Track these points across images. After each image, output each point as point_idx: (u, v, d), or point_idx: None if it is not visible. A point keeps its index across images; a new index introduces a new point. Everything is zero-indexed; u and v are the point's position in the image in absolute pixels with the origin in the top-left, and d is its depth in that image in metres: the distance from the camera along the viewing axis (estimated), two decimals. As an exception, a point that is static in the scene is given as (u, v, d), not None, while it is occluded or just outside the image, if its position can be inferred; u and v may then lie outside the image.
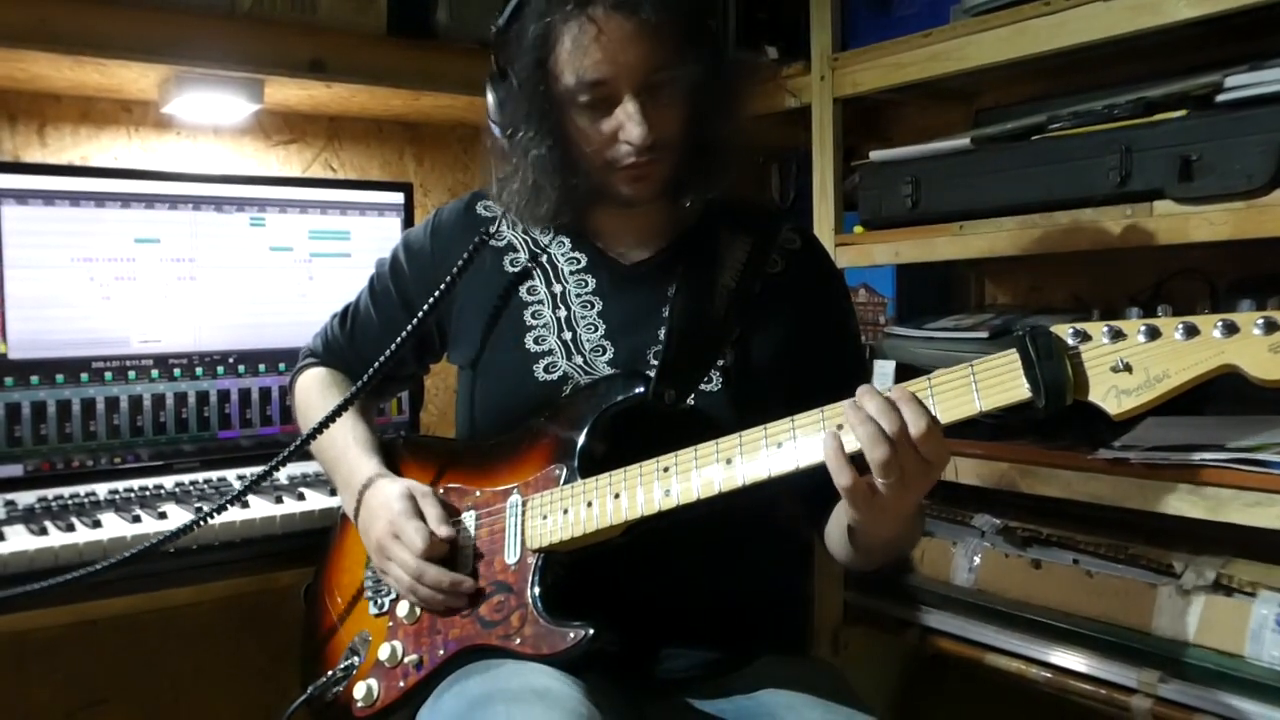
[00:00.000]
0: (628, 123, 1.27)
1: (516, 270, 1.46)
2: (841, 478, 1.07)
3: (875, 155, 2.06)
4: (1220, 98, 1.59)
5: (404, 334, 1.43)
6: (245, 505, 1.67)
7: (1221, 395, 1.64)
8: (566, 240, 1.47)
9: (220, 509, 1.46)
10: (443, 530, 1.33)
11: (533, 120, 1.31)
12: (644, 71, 1.26)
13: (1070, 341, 1.00)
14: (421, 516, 1.34)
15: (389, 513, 1.34)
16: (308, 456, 1.59)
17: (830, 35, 2.09)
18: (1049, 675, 1.72)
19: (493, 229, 1.47)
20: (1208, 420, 1.63)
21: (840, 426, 1.09)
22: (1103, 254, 1.88)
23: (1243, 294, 1.73)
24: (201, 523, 1.44)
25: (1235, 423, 1.58)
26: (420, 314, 1.43)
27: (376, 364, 1.44)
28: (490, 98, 1.36)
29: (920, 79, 1.95)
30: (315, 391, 1.57)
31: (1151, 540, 1.70)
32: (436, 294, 1.43)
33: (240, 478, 1.87)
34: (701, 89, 1.31)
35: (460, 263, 1.44)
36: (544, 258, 1.46)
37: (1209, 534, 1.61)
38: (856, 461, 1.08)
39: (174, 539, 1.44)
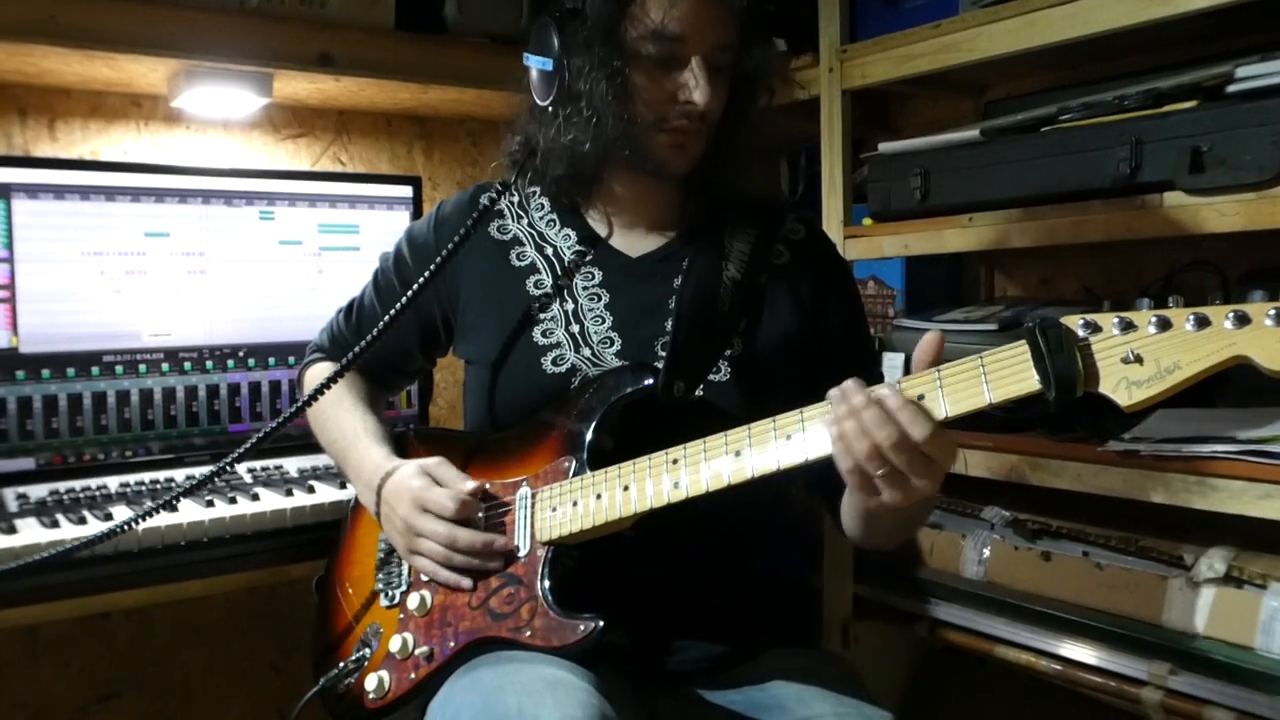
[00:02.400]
0: (691, 84, 1.30)
1: (523, 264, 1.46)
2: (845, 462, 1.07)
3: (884, 147, 2.06)
4: (1231, 88, 1.58)
5: (398, 306, 1.44)
6: (233, 502, 1.68)
7: (1233, 387, 1.63)
8: (572, 233, 1.47)
9: (156, 510, 1.46)
10: (468, 485, 1.33)
11: (604, 54, 1.32)
12: (717, 43, 1.31)
13: (1080, 333, 0.99)
14: (441, 485, 1.35)
15: (409, 493, 1.35)
16: (317, 450, 1.60)
17: (839, 27, 2.08)
18: (1059, 668, 1.72)
19: (495, 200, 1.49)
20: (1218, 412, 1.62)
21: None
22: (1113, 246, 1.88)
23: (1254, 285, 1.72)
24: (133, 524, 1.44)
25: (1246, 415, 1.58)
26: (415, 286, 1.44)
27: (372, 334, 1.45)
28: (551, 35, 1.35)
29: (929, 70, 1.94)
30: (322, 386, 1.57)
31: (1162, 532, 1.69)
32: (434, 265, 1.44)
33: (250, 470, 1.87)
34: (749, 79, 1.36)
35: (460, 234, 1.45)
36: (550, 251, 1.47)
37: (1219, 526, 1.61)
38: None
39: (95, 543, 1.43)
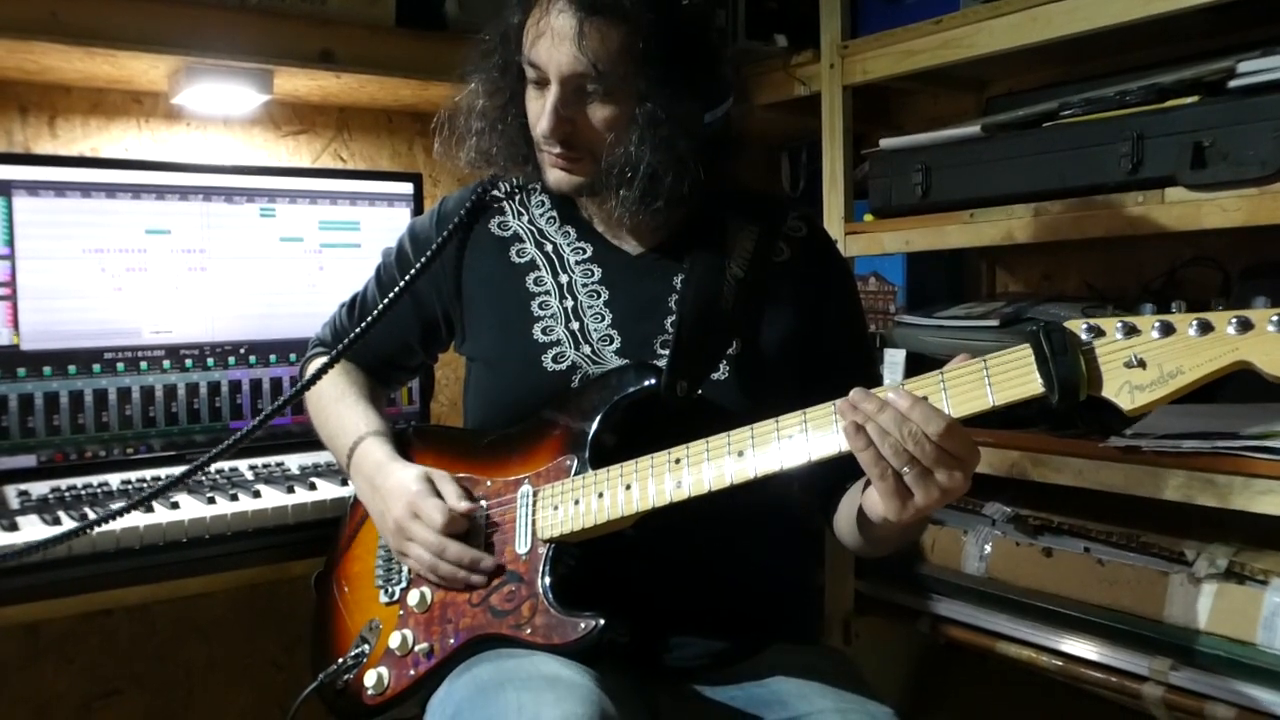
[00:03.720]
0: (541, 111, 1.32)
1: (523, 261, 1.47)
2: (875, 468, 1.06)
3: (885, 143, 2.05)
4: (1233, 84, 1.58)
5: (390, 297, 1.46)
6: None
7: (1234, 384, 1.63)
8: (572, 230, 1.48)
9: (117, 513, 1.45)
10: (462, 505, 1.34)
11: (500, 83, 1.39)
12: (570, 72, 1.29)
13: (1084, 337, 1.00)
14: (439, 496, 1.35)
15: (407, 494, 1.35)
16: (319, 447, 1.60)
17: (840, 23, 2.08)
18: (1060, 664, 1.72)
19: (483, 194, 1.51)
20: (1220, 408, 1.62)
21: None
22: (1115, 242, 1.87)
23: (1255, 280, 1.72)
24: (85, 530, 1.44)
25: (1247, 411, 1.58)
26: (408, 277, 1.46)
27: (364, 324, 1.46)
28: (477, 56, 1.43)
29: (931, 66, 1.94)
30: (324, 380, 1.57)
31: (1163, 528, 1.70)
32: (427, 255, 1.46)
33: (252, 467, 1.87)
34: (633, 112, 1.31)
35: (450, 228, 1.46)
36: (550, 248, 1.47)
37: (1221, 522, 1.61)
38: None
39: (46, 546, 1.42)
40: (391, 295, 1.46)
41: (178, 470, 1.46)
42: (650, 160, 1.31)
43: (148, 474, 1.81)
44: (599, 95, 1.31)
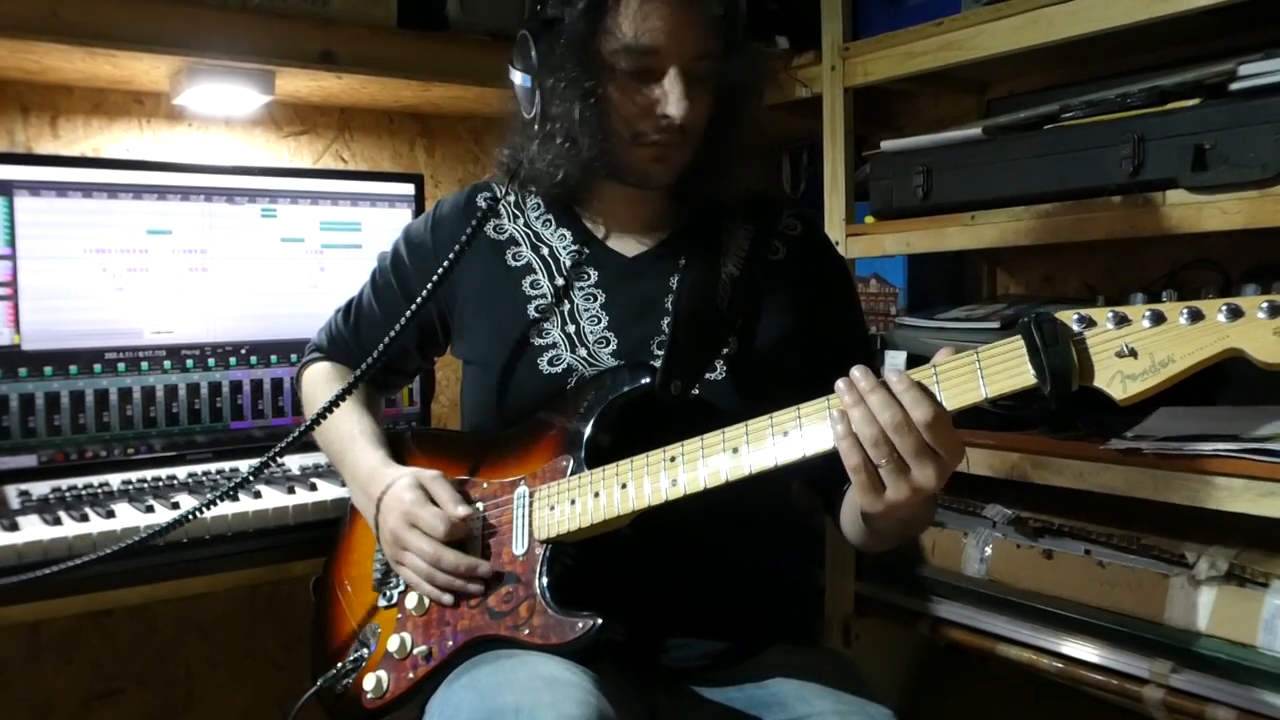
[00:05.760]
0: (669, 97, 1.28)
1: (519, 264, 1.46)
2: (851, 458, 1.06)
3: (887, 145, 2.05)
4: (1234, 86, 1.58)
5: (403, 320, 1.42)
6: (235, 499, 1.65)
7: (1234, 385, 1.63)
8: (568, 233, 1.47)
9: (213, 501, 1.47)
10: (460, 510, 1.33)
11: (578, 74, 1.30)
12: (694, 53, 1.28)
13: (1075, 327, 0.99)
14: (434, 502, 1.35)
15: (401, 504, 1.35)
16: (317, 447, 1.60)
17: (841, 24, 2.08)
18: (1061, 666, 1.72)
19: (494, 205, 1.50)
20: (1220, 411, 1.62)
21: None
22: (1115, 244, 1.87)
23: (1256, 282, 1.71)
24: (196, 514, 1.45)
25: (1248, 413, 1.58)
26: (419, 299, 1.42)
27: (376, 351, 1.43)
28: (529, 49, 1.34)
29: (932, 68, 1.94)
30: (321, 386, 1.58)
31: (1164, 531, 1.69)
32: (437, 276, 1.42)
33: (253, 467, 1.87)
34: (733, 87, 1.33)
35: (461, 241, 1.43)
36: (545, 251, 1.47)
37: (1221, 524, 1.60)
38: None
39: (166, 531, 1.44)
40: (399, 326, 1.42)
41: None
42: (746, 133, 1.35)
43: (148, 474, 1.81)
44: (709, 78, 1.32)
